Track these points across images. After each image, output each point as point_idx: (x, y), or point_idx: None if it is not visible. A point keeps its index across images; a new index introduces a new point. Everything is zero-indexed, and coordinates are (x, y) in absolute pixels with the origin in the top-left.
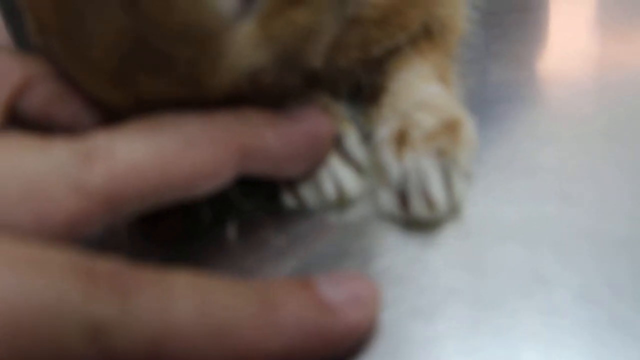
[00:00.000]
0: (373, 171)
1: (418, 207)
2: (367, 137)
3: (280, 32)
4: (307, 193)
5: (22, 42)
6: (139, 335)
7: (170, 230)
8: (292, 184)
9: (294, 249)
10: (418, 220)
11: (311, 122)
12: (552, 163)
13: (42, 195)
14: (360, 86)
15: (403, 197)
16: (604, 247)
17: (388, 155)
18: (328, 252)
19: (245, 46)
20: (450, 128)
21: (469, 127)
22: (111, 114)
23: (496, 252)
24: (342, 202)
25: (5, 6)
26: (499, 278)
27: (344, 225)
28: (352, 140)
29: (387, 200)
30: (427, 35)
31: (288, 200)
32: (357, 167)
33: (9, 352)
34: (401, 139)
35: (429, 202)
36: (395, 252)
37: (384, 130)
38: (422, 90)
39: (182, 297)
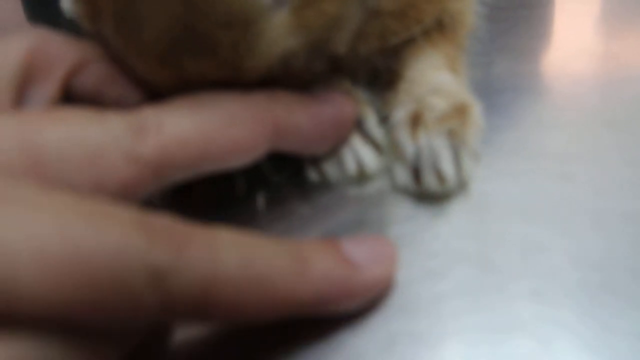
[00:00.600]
0: (390, 149)
1: (430, 182)
2: (384, 120)
3: (312, 21)
4: (330, 168)
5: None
6: (192, 282)
7: (203, 199)
8: (316, 160)
9: (317, 218)
10: (429, 194)
11: (337, 104)
12: (554, 147)
13: (101, 163)
14: (378, 73)
15: (417, 173)
16: (602, 220)
17: (404, 135)
18: (348, 221)
19: (279, 33)
20: (460, 112)
21: (477, 111)
22: (155, 94)
23: (499, 223)
24: (362, 177)
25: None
26: (502, 245)
27: (363, 198)
28: (372, 121)
29: (402, 175)
30: (440, 28)
31: (312, 174)
32: (375, 146)
33: (83, 295)
34: (416, 121)
35: (440, 177)
36: (408, 221)
37: (400, 113)
38: (434, 78)
39: (226, 250)
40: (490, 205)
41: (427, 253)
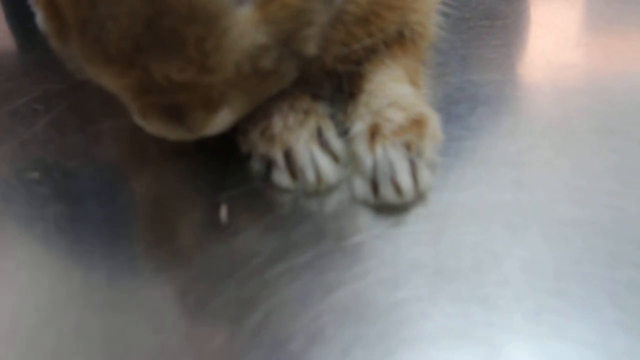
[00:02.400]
0: (349, 162)
1: (387, 194)
2: (345, 133)
3: (277, 14)
4: (286, 179)
5: (25, 46)
6: None
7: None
8: (277, 168)
9: (278, 229)
10: (388, 205)
11: None
12: (509, 156)
13: None
14: (341, 85)
15: (374, 185)
16: (551, 227)
17: (362, 147)
18: (308, 232)
19: (246, 27)
20: (418, 124)
21: (434, 123)
22: None
23: (455, 231)
24: (320, 186)
25: (10, 12)
26: (457, 253)
27: (322, 210)
28: (330, 133)
29: (361, 187)
30: (400, 40)
31: (277, 178)
32: (334, 156)
33: None
34: (374, 133)
35: (397, 189)
36: (367, 231)
37: (359, 125)
38: (393, 91)
39: None
40: (447, 214)
41: (384, 262)
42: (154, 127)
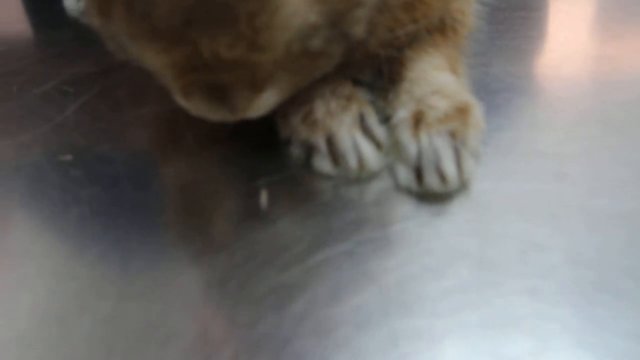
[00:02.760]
0: (392, 149)
1: (432, 181)
2: (386, 120)
3: None
4: (328, 165)
5: (40, 32)
6: None
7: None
8: (320, 154)
9: (319, 215)
10: (431, 193)
11: None
12: (549, 147)
13: None
14: (382, 71)
15: (419, 172)
16: (596, 219)
17: (406, 134)
18: (350, 219)
19: (299, 5)
20: (462, 112)
21: (478, 112)
22: None
23: (498, 221)
24: (363, 172)
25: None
26: (500, 243)
27: (364, 197)
28: (372, 119)
29: (405, 174)
30: (442, 28)
31: (318, 164)
32: (377, 143)
33: None
34: (418, 121)
35: (442, 177)
36: (409, 219)
37: (403, 113)
38: (436, 78)
39: None
40: (490, 204)
41: (427, 251)
42: (196, 106)
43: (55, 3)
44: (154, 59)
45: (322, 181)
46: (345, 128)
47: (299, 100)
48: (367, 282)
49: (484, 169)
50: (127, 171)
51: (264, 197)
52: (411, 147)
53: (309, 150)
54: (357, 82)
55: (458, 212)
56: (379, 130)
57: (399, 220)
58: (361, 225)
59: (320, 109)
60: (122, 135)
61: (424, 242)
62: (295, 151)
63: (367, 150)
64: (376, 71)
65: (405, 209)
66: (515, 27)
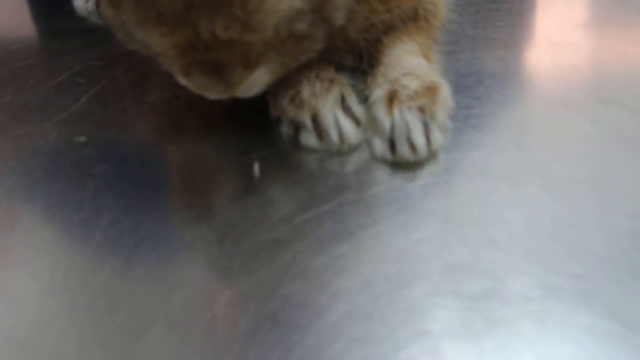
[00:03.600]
0: (368, 125)
1: (404, 151)
2: (365, 100)
3: None
4: (313, 140)
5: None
6: None
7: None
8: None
9: (305, 182)
10: (403, 162)
11: None
12: (512, 121)
13: None
14: (362, 57)
15: (392, 144)
16: (551, 182)
17: (381, 110)
18: (333, 185)
19: None
20: (431, 90)
21: (446, 90)
22: None
23: (463, 185)
24: (343, 145)
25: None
26: (465, 204)
27: (344, 167)
28: (352, 99)
29: (380, 146)
30: (415, 19)
31: (305, 139)
32: (356, 120)
33: None
34: (391, 98)
35: (413, 147)
36: (383, 184)
37: (378, 92)
38: (409, 63)
39: None
40: (456, 171)
41: (398, 209)
42: (196, 82)
43: (63, 4)
44: (159, 42)
45: (308, 154)
46: (328, 107)
47: (287, 83)
48: (346, 236)
49: (453, 140)
50: (134, 150)
51: (256, 169)
52: (385, 122)
53: (297, 127)
54: (339, 67)
55: (427, 177)
56: (358, 109)
57: (375, 185)
58: (342, 190)
59: (306, 91)
60: (129, 119)
61: (396, 203)
62: (285, 128)
63: (347, 126)
64: (356, 57)
65: (380, 176)
66: (487, 19)
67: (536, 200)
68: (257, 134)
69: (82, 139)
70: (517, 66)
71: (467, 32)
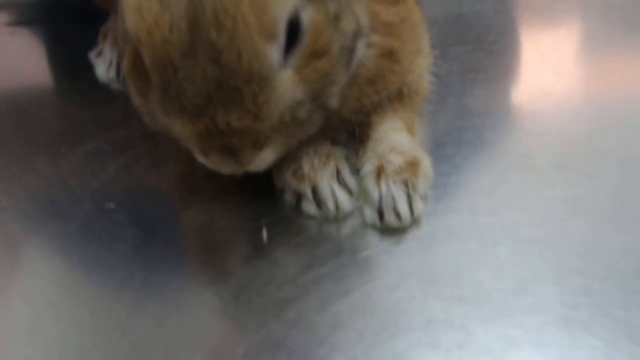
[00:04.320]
0: (360, 195)
1: (390, 219)
2: (357, 171)
3: (310, 76)
4: (317, 207)
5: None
6: None
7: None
8: (306, 200)
9: (306, 245)
10: (390, 228)
11: None
12: (484, 187)
13: None
14: (353, 132)
15: (380, 212)
16: (514, 244)
17: (370, 184)
18: (330, 247)
19: (287, 86)
20: (413, 165)
21: (427, 164)
22: None
23: (440, 248)
24: (339, 214)
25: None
26: (441, 264)
27: (340, 232)
28: (346, 172)
29: (370, 214)
30: (400, 97)
31: (307, 208)
32: (349, 191)
33: None
34: (379, 173)
35: (398, 216)
36: (374, 248)
37: (368, 166)
38: (394, 139)
39: None
40: (435, 235)
41: (386, 271)
42: (213, 162)
43: (85, 70)
44: (182, 129)
45: (308, 220)
46: (326, 180)
47: (290, 158)
48: (342, 295)
49: (432, 206)
50: (159, 215)
51: (264, 233)
52: (374, 194)
53: (298, 197)
54: (334, 142)
55: (410, 241)
56: (351, 181)
57: (366, 249)
58: (338, 253)
59: (306, 165)
60: (152, 187)
61: (384, 265)
62: (288, 197)
63: (342, 197)
64: (349, 133)
65: (370, 240)
66: (464, 87)
67: (502, 260)
68: (264, 200)
69: (112, 205)
70: (491, 134)
71: (447, 100)
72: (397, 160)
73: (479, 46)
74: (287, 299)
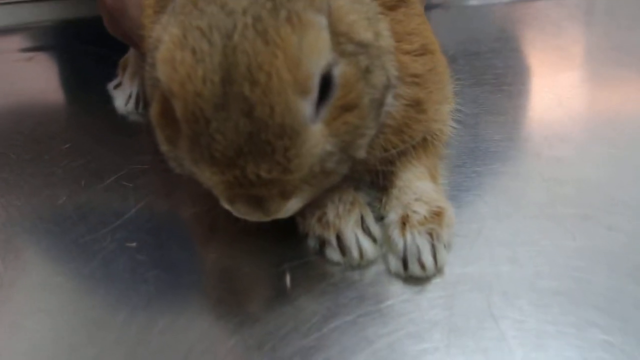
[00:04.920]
0: (384, 243)
1: (415, 269)
2: (381, 218)
3: (340, 128)
4: (337, 255)
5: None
6: None
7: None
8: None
9: (330, 293)
10: (414, 277)
11: None
12: (505, 237)
13: None
14: (377, 179)
15: (405, 262)
16: (536, 295)
17: (395, 233)
18: (353, 296)
19: (318, 139)
20: (438, 215)
21: (450, 213)
22: None
23: (464, 298)
24: (362, 261)
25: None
26: (465, 315)
27: (363, 279)
28: (370, 220)
29: (394, 263)
30: (424, 144)
31: (331, 255)
32: (373, 239)
33: None
34: (404, 222)
35: (422, 266)
36: (397, 296)
37: (393, 215)
38: (418, 187)
39: None
40: (458, 284)
41: (409, 321)
42: (239, 211)
43: (105, 103)
44: (210, 178)
45: (332, 266)
46: (350, 228)
47: (314, 204)
48: (366, 345)
49: (454, 255)
50: (181, 257)
51: (288, 279)
52: (399, 243)
53: (322, 243)
54: (357, 187)
55: (433, 290)
56: (375, 228)
57: (389, 298)
58: (362, 301)
59: (331, 213)
60: (174, 227)
61: (408, 314)
62: (312, 243)
63: (366, 245)
64: (373, 177)
65: (394, 289)
66: (485, 131)
67: (524, 313)
68: (288, 245)
69: (134, 244)
70: (510, 181)
71: (468, 145)
72: (422, 210)
73: (499, 87)
74: (312, 348)
